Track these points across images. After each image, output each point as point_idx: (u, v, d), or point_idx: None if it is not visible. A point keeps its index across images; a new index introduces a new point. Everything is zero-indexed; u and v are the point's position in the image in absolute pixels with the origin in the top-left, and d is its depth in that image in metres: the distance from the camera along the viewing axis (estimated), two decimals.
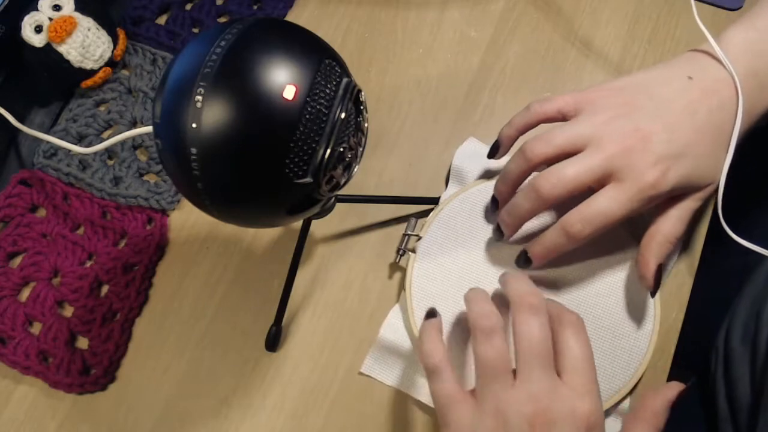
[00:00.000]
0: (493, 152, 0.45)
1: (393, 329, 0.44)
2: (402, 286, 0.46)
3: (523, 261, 0.42)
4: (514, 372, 0.35)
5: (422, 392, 0.43)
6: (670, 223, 0.39)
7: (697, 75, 0.40)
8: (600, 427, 0.34)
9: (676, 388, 0.39)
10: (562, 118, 0.41)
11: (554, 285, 0.43)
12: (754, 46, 0.40)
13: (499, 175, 0.43)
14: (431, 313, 0.39)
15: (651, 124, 0.38)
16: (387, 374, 0.44)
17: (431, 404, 0.43)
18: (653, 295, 0.40)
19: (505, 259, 0.44)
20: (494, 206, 0.44)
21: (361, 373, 0.45)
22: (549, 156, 0.39)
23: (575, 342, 0.35)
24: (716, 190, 0.40)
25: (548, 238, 0.40)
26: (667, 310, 0.44)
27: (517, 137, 0.43)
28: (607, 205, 0.37)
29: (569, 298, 0.43)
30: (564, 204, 0.39)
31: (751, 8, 0.42)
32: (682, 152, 0.38)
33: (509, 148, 0.44)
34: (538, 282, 0.43)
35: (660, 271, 0.39)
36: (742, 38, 0.40)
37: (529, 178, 0.41)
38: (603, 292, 0.43)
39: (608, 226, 0.38)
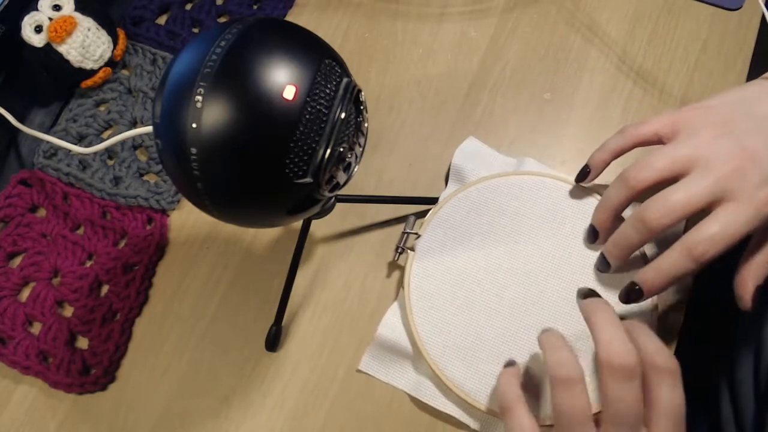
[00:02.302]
0: (582, 177, 0.44)
1: (391, 327, 0.44)
2: (401, 284, 0.46)
3: (631, 295, 0.39)
4: (596, 420, 0.33)
5: (419, 390, 0.43)
6: None
7: None
8: None
9: None
10: (659, 140, 0.40)
11: (552, 288, 0.43)
12: None
13: (598, 203, 0.42)
14: (510, 363, 0.40)
15: (756, 142, 0.37)
16: (385, 372, 0.44)
17: (429, 402, 0.43)
18: (751, 312, 0.39)
19: (504, 258, 0.44)
20: (593, 236, 0.43)
21: (359, 371, 0.45)
22: (652, 181, 0.38)
23: (669, 393, 0.33)
24: None
25: (667, 263, 0.37)
26: (667, 311, 0.44)
27: (611, 161, 0.42)
28: (726, 225, 0.36)
29: (567, 301, 0.43)
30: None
31: None
32: None
33: (600, 173, 0.43)
34: (536, 283, 0.43)
35: (758, 292, 0.38)
36: None
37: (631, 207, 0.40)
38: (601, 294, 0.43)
39: (728, 248, 0.36)
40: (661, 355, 0.33)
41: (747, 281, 0.38)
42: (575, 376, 0.33)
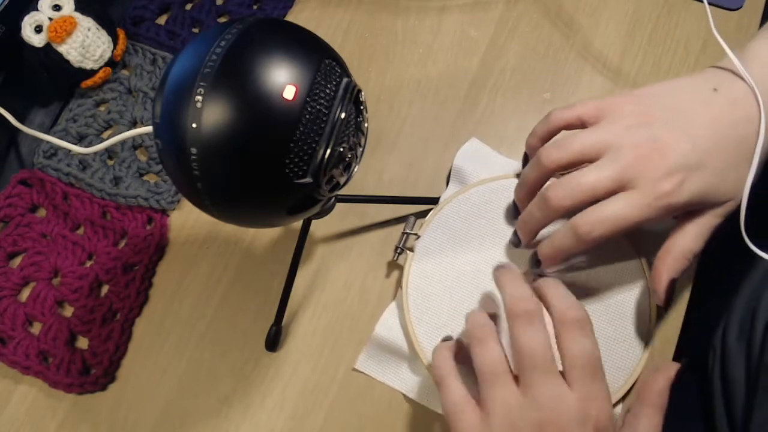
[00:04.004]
0: (525, 162, 0.44)
1: (388, 327, 0.44)
2: (399, 284, 0.46)
3: (534, 263, 0.42)
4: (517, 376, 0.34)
5: (414, 390, 0.43)
6: (687, 239, 0.38)
7: (723, 87, 0.38)
8: (610, 428, 0.33)
9: (674, 366, 0.39)
10: (582, 125, 0.40)
11: None
12: None
13: (518, 181, 0.42)
14: (447, 339, 0.40)
15: (670, 134, 0.37)
16: (381, 371, 0.44)
17: (423, 402, 0.43)
18: (665, 310, 0.39)
19: (503, 260, 0.44)
20: (515, 211, 0.44)
21: (355, 369, 0.45)
22: (564, 162, 0.38)
23: (580, 341, 0.34)
24: (738, 206, 0.38)
25: (557, 238, 0.39)
26: (667, 311, 0.44)
27: (540, 147, 0.42)
28: (619, 209, 0.36)
29: None
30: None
31: None
32: (701, 164, 0.36)
33: None
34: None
35: (673, 286, 0.38)
36: (766, 49, 0.38)
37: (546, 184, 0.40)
38: (599, 297, 0.43)
39: (619, 232, 0.37)
40: (569, 308, 0.35)
41: (662, 274, 0.38)
42: (488, 333, 0.35)
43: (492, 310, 0.40)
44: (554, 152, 0.38)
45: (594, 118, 0.39)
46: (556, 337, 0.35)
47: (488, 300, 0.43)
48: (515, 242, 0.43)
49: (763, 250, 0.38)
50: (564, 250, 0.39)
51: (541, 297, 0.36)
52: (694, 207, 0.38)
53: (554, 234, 0.39)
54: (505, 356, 0.35)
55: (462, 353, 0.40)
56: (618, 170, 0.36)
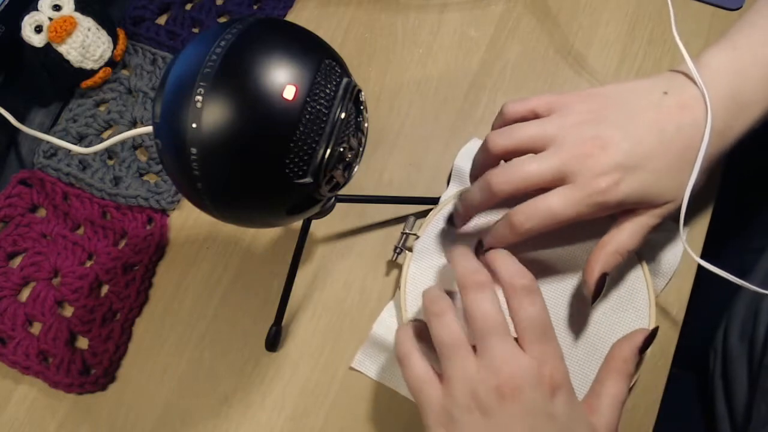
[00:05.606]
0: None
1: (385, 326, 0.45)
2: (398, 284, 0.46)
3: (477, 249, 0.42)
4: (474, 346, 0.35)
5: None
6: (622, 236, 0.39)
7: (673, 91, 0.39)
8: (565, 385, 0.34)
9: (642, 333, 0.39)
10: (535, 117, 0.41)
11: (549, 292, 0.43)
12: (734, 66, 0.39)
13: (470, 167, 0.43)
14: (414, 321, 0.40)
15: (613, 134, 0.37)
16: (377, 371, 0.44)
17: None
18: (592, 303, 0.40)
19: None
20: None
21: (351, 368, 0.45)
22: (509, 149, 0.39)
23: (529, 306, 0.35)
24: (679, 209, 0.39)
25: (495, 228, 0.40)
26: (666, 310, 0.44)
27: None
28: (553, 202, 0.37)
29: (564, 305, 0.43)
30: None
31: (731, 28, 0.41)
32: (639, 165, 0.37)
33: None
34: None
35: (603, 280, 0.39)
36: (722, 57, 0.39)
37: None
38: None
39: (553, 225, 0.37)
40: (517, 276, 0.36)
41: (594, 268, 0.39)
42: (444, 307, 0.36)
43: (450, 287, 0.40)
44: (500, 138, 0.39)
45: (546, 112, 0.40)
46: (507, 305, 0.36)
47: (446, 277, 0.43)
48: (451, 223, 0.44)
49: (723, 257, 0.38)
50: (501, 240, 0.39)
51: (490, 269, 0.37)
52: (630, 206, 0.38)
53: (494, 227, 0.40)
54: (463, 328, 0.35)
55: (427, 333, 0.40)
56: (557, 163, 0.37)
